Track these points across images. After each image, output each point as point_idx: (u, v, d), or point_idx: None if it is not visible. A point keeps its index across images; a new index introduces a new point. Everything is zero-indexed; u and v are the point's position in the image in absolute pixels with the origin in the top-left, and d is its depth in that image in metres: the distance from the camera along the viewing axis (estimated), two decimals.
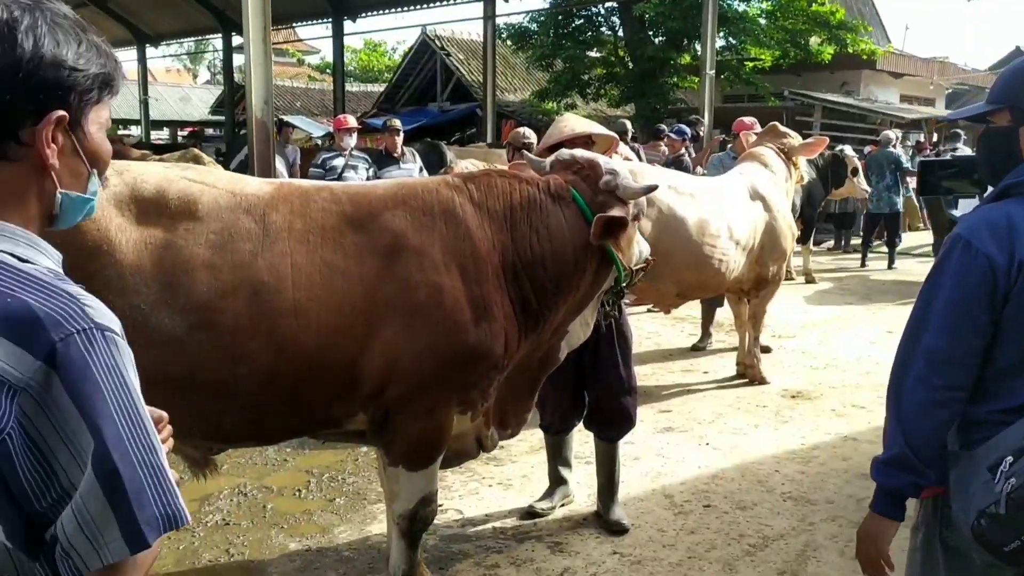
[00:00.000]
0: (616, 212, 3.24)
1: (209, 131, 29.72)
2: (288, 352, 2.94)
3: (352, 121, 8.45)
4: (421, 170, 9.08)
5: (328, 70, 45.49)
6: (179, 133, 33.17)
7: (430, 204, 3.17)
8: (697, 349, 7.94)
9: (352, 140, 8.31)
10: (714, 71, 14.21)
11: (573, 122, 4.48)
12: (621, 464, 4.93)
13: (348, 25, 20.52)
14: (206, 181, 3.07)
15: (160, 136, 31.16)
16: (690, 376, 7.16)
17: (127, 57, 27.72)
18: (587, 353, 4.08)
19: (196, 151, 8.80)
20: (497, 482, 4.89)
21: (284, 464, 5.17)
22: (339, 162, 8.11)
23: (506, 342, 3.20)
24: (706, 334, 8.04)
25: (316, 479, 4.92)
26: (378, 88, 32.74)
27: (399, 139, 8.78)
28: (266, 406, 3.03)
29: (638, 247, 3.49)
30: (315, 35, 48.60)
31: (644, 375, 7.10)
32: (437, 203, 3.18)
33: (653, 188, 3.48)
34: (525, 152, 4.71)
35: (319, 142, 22.25)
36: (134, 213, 2.90)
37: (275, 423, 3.13)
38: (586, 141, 4.22)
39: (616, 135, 4.75)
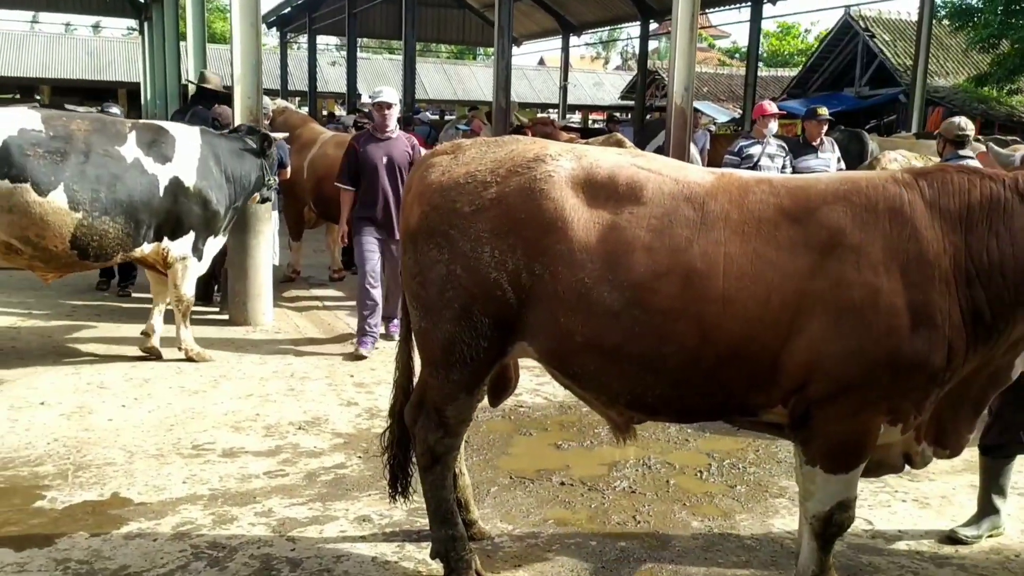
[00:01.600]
0: None
1: (616, 115, 31.07)
2: (712, 337, 3.02)
3: (773, 108, 8.28)
4: (839, 160, 8.67)
5: (738, 55, 45.07)
6: (590, 117, 35.09)
7: (874, 200, 3.03)
8: None
9: (774, 127, 8.14)
10: None
11: None
12: None
13: (767, 9, 20.03)
14: (652, 168, 3.24)
15: (572, 120, 33.11)
16: None
17: (552, 46, 29.95)
18: None
19: (619, 135, 9.27)
20: (912, 498, 4.57)
21: (685, 444, 5.31)
22: (756, 150, 8.01)
23: (949, 354, 2.96)
24: None
25: (717, 463, 5.00)
26: (787, 73, 31.72)
27: (823, 129, 8.46)
28: (687, 385, 3.14)
29: None
30: (730, 20, 48.01)
31: None
32: (882, 199, 3.03)
33: None
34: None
35: (713, 127, 22.18)
36: (587, 195, 3.17)
37: (694, 403, 3.23)
38: None
39: None
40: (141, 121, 6.97)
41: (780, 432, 3.34)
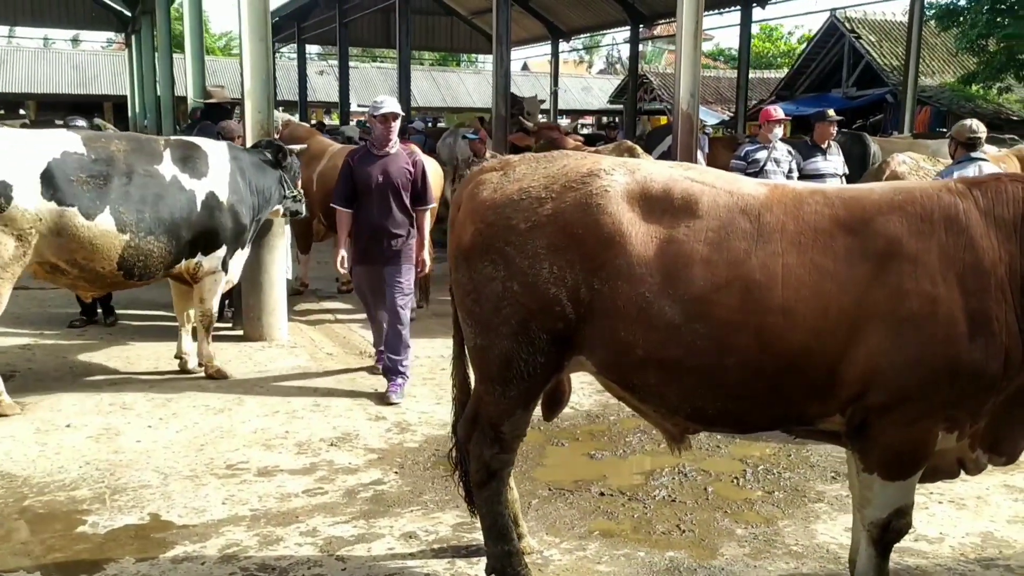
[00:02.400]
0: None
1: (605, 120, 31.20)
2: (773, 349, 3.04)
3: (780, 113, 8.33)
4: (844, 164, 8.73)
5: (720, 56, 45.33)
6: (579, 122, 35.16)
7: (929, 210, 3.07)
8: None
9: (779, 132, 8.18)
10: None
11: None
12: None
13: (756, 12, 20.17)
14: (706, 181, 3.27)
15: (562, 124, 33.16)
16: None
17: (536, 52, 30.03)
18: None
19: (630, 143, 9.31)
20: (948, 500, 4.60)
21: (717, 450, 5.34)
22: (762, 155, 8.05)
23: (1006, 362, 2.99)
24: None
25: (752, 469, 5.02)
26: (772, 74, 31.93)
27: (833, 130, 8.52)
28: (747, 397, 3.17)
29: None
30: (719, 24, 48.32)
31: None
32: (938, 209, 3.07)
33: None
34: None
35: (710, 130, 22.29)
36: (644, 209, 3.19)
37: (753, 414, 3.26)
38: None
39: None
40: (173, 138, 6.97)
41: (837, 440, 3.37)
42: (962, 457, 3.34)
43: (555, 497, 4.64)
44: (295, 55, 29.74)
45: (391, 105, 6.28)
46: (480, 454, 3.53)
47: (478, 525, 3.81)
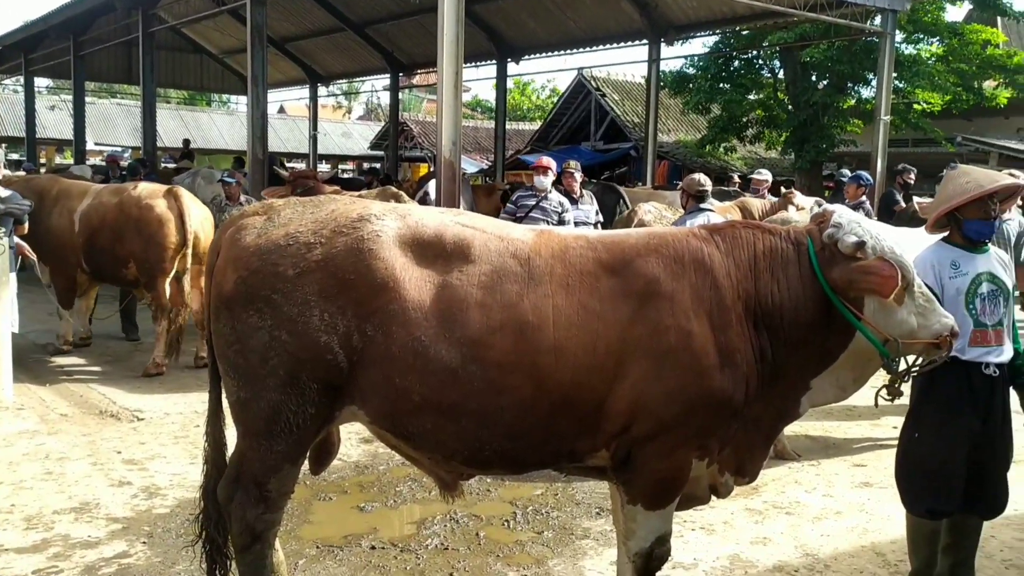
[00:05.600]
0: (857, 268, 3.20)
1: (366, 165, 31.13)
2: (546, 387, 3.12)
3: (549, 163, 8.67)
4: (597, 212, 9.26)
5: (478, 107, 46.90)
6: (339, 167, 34.88)
7: (681, 253, 3.30)
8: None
9: (547, 181, 8.49)
10: (889, 117, 13.81)
11: (978, 176, 3.91)
12: (824, 518, 4.89)
13: (510, 67, 21.09)
14: (476, 226, 3.31)
15: (322, 170, 32.74)
16: (878, 430, 6.96)
17: (299, 95, 29.48)
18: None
19: (394, 189, 9.28)
20: (699, 526, 4.91)
21: (488, 494, 5.36)
22: (531, 202, 8.34)
23: (747, 390, 3.26)
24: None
25: (521, 511, 5.08)
26: (525, 126, 33.48)
27: (577, 181, 9.00)
28: (523, 436, 3.21)
29: (916, 318, 3.27)
30: (476, 76, 49.84)
31: (829, 428, 6.97)
32: (687, 252, 3.30)
33: (861, 244, 3.22)
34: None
35: (475, 179, 22.93)
36: (416, 253, 3.17)
37: (528, 453, 3.30)
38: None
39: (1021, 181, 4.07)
40: None
41: (603, 476, 3.49)
42: (713, 482, 3.57)
43: (324, 555, 4.43)
44: (21, 87, 27.13)
45: None
46: (243, 515, 3.29)
47: None
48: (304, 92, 27.90)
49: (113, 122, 33.10)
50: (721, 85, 20.28)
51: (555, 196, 8.52)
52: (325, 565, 4.31)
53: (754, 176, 11.30)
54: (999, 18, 20.08)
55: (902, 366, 3.40)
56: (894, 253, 3.24)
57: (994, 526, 5.00)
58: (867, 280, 3.20)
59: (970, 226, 3.91)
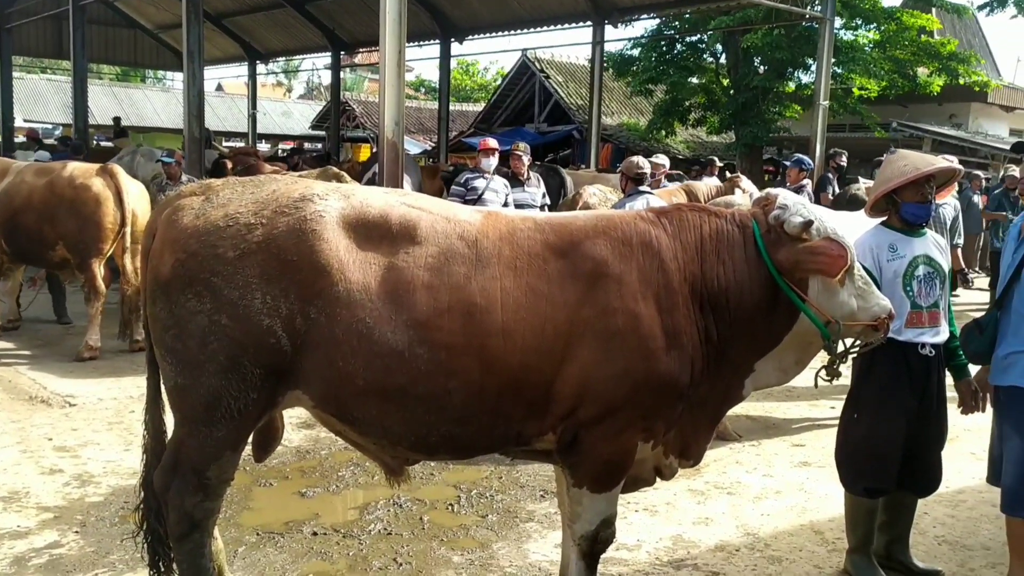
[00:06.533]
0: (801, 248, 3.23)
1: (307, 145, 30.61)
2: (494, 370, 3.08)
3: (494, 144, 8.61)
4: (544, 195, 9.24)
5: (421, 88, 46.44)
6: (280, 147, 34.25)
7: (629, 235, 3.28)
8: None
9: (493, 162, 8.43)
10: (827, 102, 14.04)
11: (915, 160, 4.02)
12: (764, 497, 4.96)
13: (454, 47, 20.90)
14: (422, 207, 3.25)
15: (261, 149, 32.15)
16: (816, 411, 7.11)
17: (237, 72, 28.82)
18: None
19: (336, 169, 9.13)
20: (643, 508, 4.94)
21: (431, 478, 5.32)
22: (480, 183, 8.27)
23: (692, 372, 3.27)
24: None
25: (465, 495, 5.06)
26: (469, 107, 33.29)
27: (525, 163, 8.96)
28: (470, 420, 3.17)
29: (856, 300, 3.32)
30: (419, 56, 49.20)
31: (769, 409, 7.09)
32: (635, 234, 3.29)
33: (808, 224, 3.27)
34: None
35: (420, 160, 22.69)
36: (361, 234, 3.09)
37: (476, 438, 3.26)
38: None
39: (959, 166, 4.26)
40: None
41: (549, 458, 3.48)
42: (658, 465, 3.59)
43: (264, 542, 4.35)
44: None
45: None
46: (181, 504, 3.19)
47: None
48: (243, 70, 27.31)
49: (43, 98, 31.94)
50: (665, 69, 20.41)
51: (499, 179, 8.47)
52: (265, 552, 4.24)
53: (653, 160, 10.37)
54: (933, 7, 20.56)
55: (840, 348, 3.45)
56: (837, 234, 3.29)
57: (927, 503, 5.15)
58: (815, 260, 3.23)
59: (907, 209, 3.99)
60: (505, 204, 8.24)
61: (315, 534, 4.46)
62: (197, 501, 3.20)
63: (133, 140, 24.03)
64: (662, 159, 11.05)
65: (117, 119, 24.37)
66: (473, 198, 8.01)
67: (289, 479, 5.27)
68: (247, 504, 4.84)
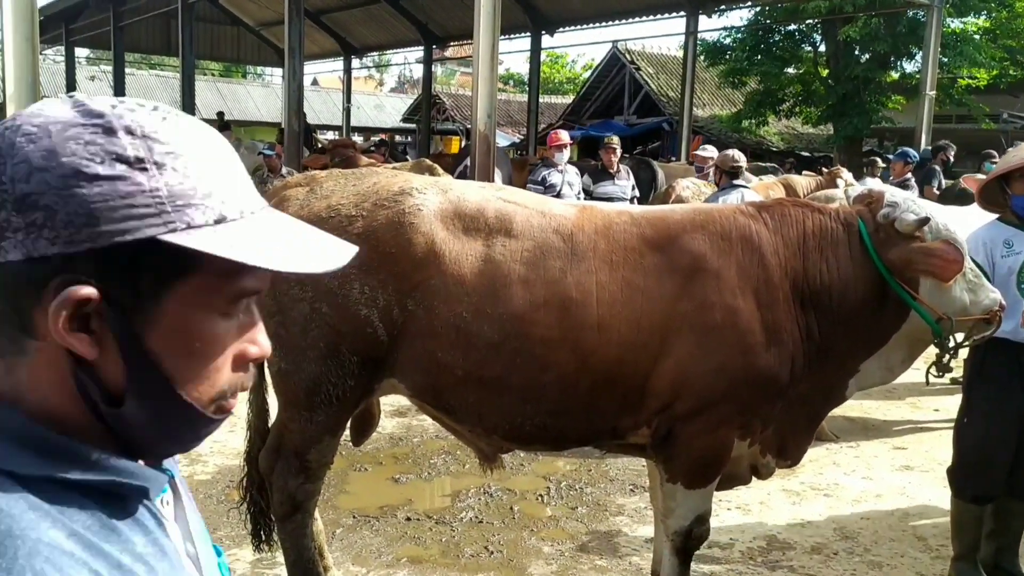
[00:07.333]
0: (919, 249, 3.15)
1: (398, 138, 31.14)
2: (589, 364, 3.08)
3: (565, 137, 8.62)
4: (633, 187, 9.18)
5: (510, 80, 46.67)
6: (371, 139, 34.96)
7: (728, 230, 3.23)
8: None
9: (564, 156, 8.46)
10: (934, 92, 13.51)
11: None
12: (863, 500, 4.82)
13: (544, 40, 20.91)
14: (518, 201, 3.27)
15: (356, 142, 32.81)
16: (919, 413, 6.87)
17: (333, 67, 29.49)
18: None
19: (429, 162, 9.27)
20: (736, 506, 4.88)
21: (521, 469, 5.37)
22: (557, 179, 8.29)
23: (792, 369, 3.21)
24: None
25: (555, 486, 5.08)
26: (558, 100, 33.25)
27: (616, 156, 8.92)
28: (565, 413, 3.18)
29: (968, 295, 3.22)
30: (509, 49, 49.46)
31: (868, 409, 6.88)
32: (735, 229, 3.24)
33: (924, 222, 3.16)
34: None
35: (509, 153, 22.80)
36: (458, 228, 3.13)
37: (570, 430, 3.28)
38: None
39: None
40: None
41: (642, 453, 3.46)
42: (754, 463, 3.53)
43: (360, 525, 4.46)
44: (61, 58, 27.44)
45: None
46: (284, 485, 3.31)
47: (279, 560, 3.59)
48: (338, 64, 27.96)
49: (152, 93, 33.33)
50: (758, 57, 19.98)
51: (572, 169, 8.52)
52: (362, 535, 4.35)
53: (698, 152, 9.90)
54: None
55: (951, 344, 3.33)
56: (949, 231, 3.17)
57: None
58: (929, 262, 3.13)
59: (1018, 201, 3.82)
60: (578, 196, 8.26)
61: (408, 519, 4.55)
62: (299, 483, 3.31)
63: (235, 133, 24.91)
64: (710, 150, 9.55)
65: (221, 113, 25.29)
66: (554, 194, 8.01)
67: (383, 465, 5.39)
68: (343, 488, 4.98)
